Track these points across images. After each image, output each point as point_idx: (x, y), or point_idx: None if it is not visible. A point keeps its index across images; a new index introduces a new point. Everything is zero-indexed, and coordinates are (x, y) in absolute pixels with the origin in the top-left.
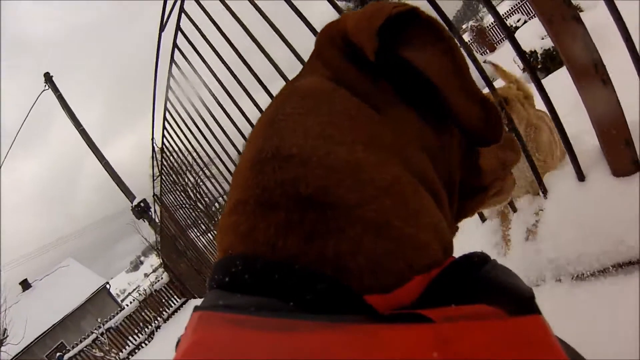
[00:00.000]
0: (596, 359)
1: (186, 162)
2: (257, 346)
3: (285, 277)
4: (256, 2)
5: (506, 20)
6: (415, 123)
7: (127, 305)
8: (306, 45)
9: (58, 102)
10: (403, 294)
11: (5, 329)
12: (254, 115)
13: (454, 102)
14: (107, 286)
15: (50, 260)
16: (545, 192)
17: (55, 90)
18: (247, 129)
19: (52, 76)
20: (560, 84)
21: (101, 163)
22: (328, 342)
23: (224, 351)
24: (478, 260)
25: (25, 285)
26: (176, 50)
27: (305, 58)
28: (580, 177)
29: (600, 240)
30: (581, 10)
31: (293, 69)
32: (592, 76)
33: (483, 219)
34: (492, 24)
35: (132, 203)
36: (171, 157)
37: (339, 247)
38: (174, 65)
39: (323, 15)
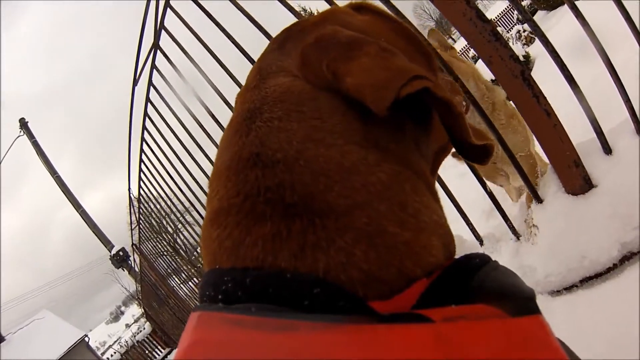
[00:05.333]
0: (595, 359)
1: (164, 210)
2: (257, 346)
3: (280, 288)
4: (222, 61)
5: (470, 49)
6: (406, 121)
7: (108, 358)
8: None
9: (33, 150)
10: (403, 299)
11: None
12: None
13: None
14: (86, 339)
15: (23, 312)
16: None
17: (31, 136)
18: None
19: (27, 122)
20: None
21: (77, 211)
22: (328, 342)
23: (223, 351)
24: (479, 261)
25: None
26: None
27: None
28: (538, 199)
29: (565, 259)
30: (534, 38)
31: None
32: (535, 109)
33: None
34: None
35: (110, 252)
36: (149, 206)
37: (329, 260)
38: (147, 118)
39: None
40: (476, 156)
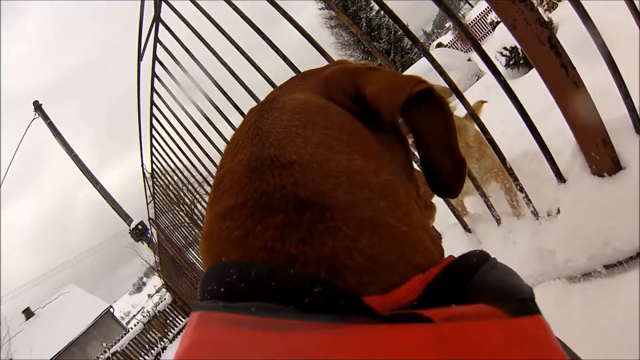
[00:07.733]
0: (594, 359)
1: (177, 184)
2: (256, 346)
3: (283, 283)
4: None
5: (487, 15)
6: (396, 144)
7: (132, 327)
8: (277, 67)
9: (50, 132)
10: (401, 293)
11: (11, 359)
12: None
13: (433, 154)
14: (111, 310)
15: (51, 288)
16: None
17: (45, 117)
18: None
19: (41, 104)
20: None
21: (96, 187)
22: (328, 343)
23: (222, 351)
24: (477, 259)
25: (28, 314)
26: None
27: (277, 82)
28: (560, 179)
29: (587, 245)
30: (557, 3)
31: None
32: (562, 79)
33: (467, 229)
34: (473, 20)
35: (129, 226)
36: (164, 179)
37: (336, 245)
38: (155, 93)
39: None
40: (451, 179)
